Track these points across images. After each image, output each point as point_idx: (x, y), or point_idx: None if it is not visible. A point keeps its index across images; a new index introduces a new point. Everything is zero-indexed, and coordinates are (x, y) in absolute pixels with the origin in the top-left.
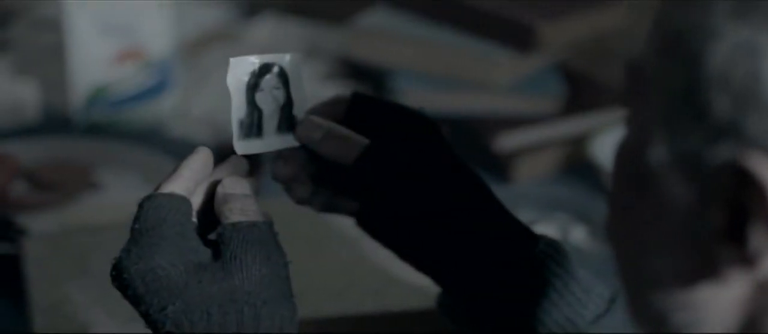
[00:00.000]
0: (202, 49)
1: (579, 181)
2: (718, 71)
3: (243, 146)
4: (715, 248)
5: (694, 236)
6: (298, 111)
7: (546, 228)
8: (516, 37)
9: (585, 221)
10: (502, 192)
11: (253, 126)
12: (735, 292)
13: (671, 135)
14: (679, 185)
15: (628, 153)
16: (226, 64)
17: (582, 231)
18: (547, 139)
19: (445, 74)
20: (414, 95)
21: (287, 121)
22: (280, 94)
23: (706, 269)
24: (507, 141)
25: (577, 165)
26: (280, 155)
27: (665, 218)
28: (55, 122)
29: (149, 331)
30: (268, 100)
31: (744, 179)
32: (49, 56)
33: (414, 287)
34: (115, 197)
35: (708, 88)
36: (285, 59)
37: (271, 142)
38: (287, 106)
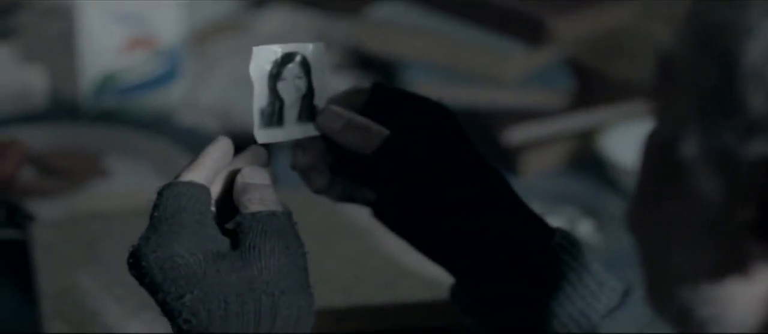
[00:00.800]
0: (212, 39)
1: (587, 175)
2: (753, 68)
3: (264, 135)
4: (743, 244)
5: (722, 231)
6: (319, 101)
7: (553, 222)
8: (527, 31)
9: (592, 215)
10: None
11: (274, 115)
12: (761, 288)
13: (704, 130)
14: (709, 180)
15: (657, 146)
16: (235, 54)
17: (589, 225)
18: (556, 133)
19: (455, 67)
20: (424, 88)
21: (308, 110)
22: (301, 84)
23: (732, 265)
24: (515, 134)
25: (585, 159)
26: (299, 144)
27: (694, 212)
28: (63, 109)
29: (163, 319)
30: (290, 89)
31: None
32: (58, 43)
33: (425, 278)
34: (124, 185)
35: (743, 85)
36: (308, 49)
37: (291, 131)
38: (308, 95)
